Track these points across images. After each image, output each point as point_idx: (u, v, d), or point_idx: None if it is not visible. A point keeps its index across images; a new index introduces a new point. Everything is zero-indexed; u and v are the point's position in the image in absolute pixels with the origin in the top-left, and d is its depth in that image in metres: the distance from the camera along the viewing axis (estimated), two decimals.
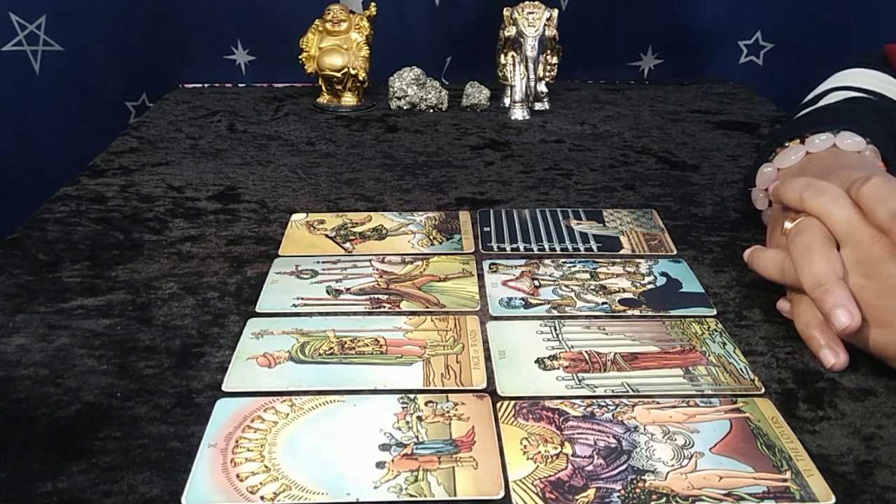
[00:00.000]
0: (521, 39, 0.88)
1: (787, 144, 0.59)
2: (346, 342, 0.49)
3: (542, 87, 0.93)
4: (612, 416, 0.43)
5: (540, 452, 0.40)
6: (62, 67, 0.97)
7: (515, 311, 0.53)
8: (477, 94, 0.95)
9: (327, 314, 0.53)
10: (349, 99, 0.95)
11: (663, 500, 0.37)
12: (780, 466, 0.40)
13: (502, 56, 0.93)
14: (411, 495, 0.38)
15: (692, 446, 0.41)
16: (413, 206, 0.69)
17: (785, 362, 0.48)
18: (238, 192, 0.72)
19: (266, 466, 0.40)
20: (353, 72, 0.92)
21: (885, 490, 0.38)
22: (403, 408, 0.44)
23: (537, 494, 0.38)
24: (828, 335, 0.48)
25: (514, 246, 0.62)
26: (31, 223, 0.65)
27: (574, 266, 0.59)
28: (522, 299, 0.54)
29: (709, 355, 0.48)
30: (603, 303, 0.54)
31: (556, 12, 0.89)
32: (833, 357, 0.47)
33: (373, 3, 0.93)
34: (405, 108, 0.94)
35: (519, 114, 0.92)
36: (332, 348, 0.49)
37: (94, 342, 0.50)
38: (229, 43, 1.05)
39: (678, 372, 0.47)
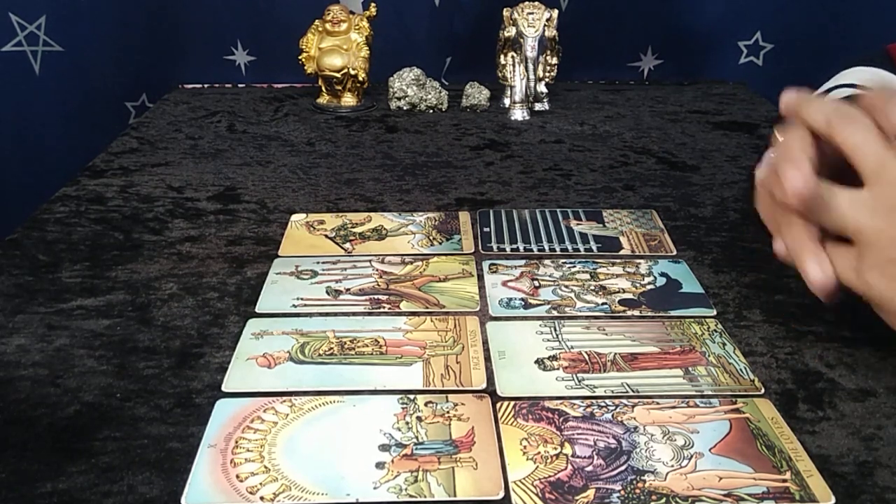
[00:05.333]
0: (521, 40, 0.89)
1: None
2: (345, 342, 0.49)
3: (541, 88, 0.93)
4: (612, 416, 0.43)
5: (540, 453, 0.40)
6: (62, 67, 0.97)
7: (515, 312, 0.53)
8: (477, 94, 0.95)
9: (327, 314, 0.53)
10: (349, 99, 0.95)
11: (663, 500, 0.37)
12: (780, 467, 0.40)
13: (502, 56, 0.93)
14: (411, 496, 0.38)
15: (692, 447, 0.41)
16: (413, 206, 0.69)
17: (785, 363, 0.48)
18: (238, 193, 0.72)
19: (266, 467, 0.40)
20: (352, 72, 0.92)
21: (885, 490, 0.38)
22: (403, 408, 0.44)
23: (537, 495, 0.38)
24: (817, 251, 0.45)
25: (514, 246, 0.62)
26: (30, 223, 0.65)
27: (574, 266, 0.59)
28: (522, 300, 0.54)
29: (708, 356, 0.48)
30: (603, 303, 0.54)
31: (555, 13, 0.89)
32: (818, 271, 0.45)
33: (373, 4, 0.93)
34: (405, 108, 0.94)
35: (519, 114, 0.92)
36: (331, 349, 0.49)
37: (93, 342, 0.50)
38: (229, 43, 1.05)
39: (678, 372, 0.47)
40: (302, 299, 0.54)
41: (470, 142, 0.85)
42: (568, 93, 1.02)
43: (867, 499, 0.38)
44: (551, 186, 0.73)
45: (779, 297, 0.53)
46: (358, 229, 0.64)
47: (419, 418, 0.43)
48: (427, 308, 0.53)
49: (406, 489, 0.38)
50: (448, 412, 0.43)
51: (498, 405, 0.44)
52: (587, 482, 0.39)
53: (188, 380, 0.46)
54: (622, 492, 0.38)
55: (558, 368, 0.47)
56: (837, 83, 0.66)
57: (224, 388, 0.45)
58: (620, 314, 0.53)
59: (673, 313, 0.53)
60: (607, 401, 0.44)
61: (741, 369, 0.47)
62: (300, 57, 0.93)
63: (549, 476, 0.39)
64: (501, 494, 0.38)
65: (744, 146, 0.84)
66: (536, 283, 0.56)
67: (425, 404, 0.44)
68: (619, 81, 1.08)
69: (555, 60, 0.93)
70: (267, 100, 0.99)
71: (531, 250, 0.61)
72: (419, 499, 0.38)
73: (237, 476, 0.39)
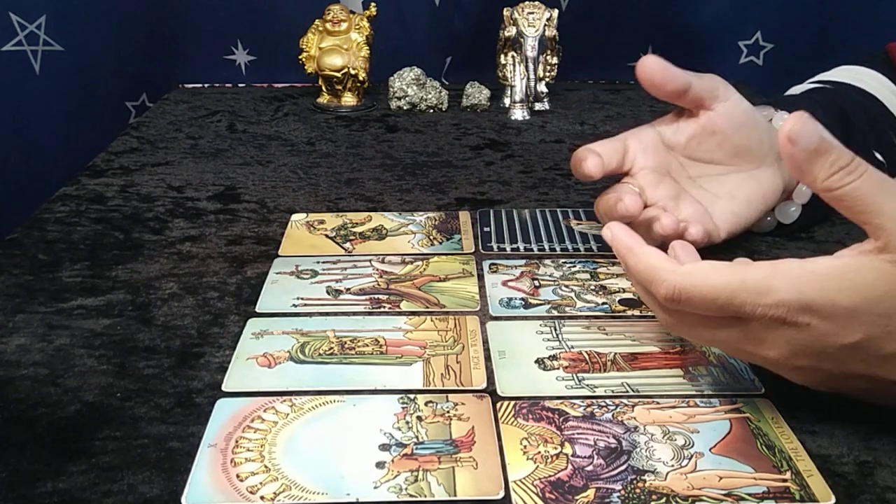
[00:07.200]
0: (521, 39, 0.89)
1: None
2: (346, 342, 0.49)
3: (542, 88, 0.93)
4: (612, 416, 0.43)
5: (540, 453, 0.40)
6: (62, 67, 0.97)
7: (515, 312, 0.53)
8: (477, 94, 0.95)
9: (327, 314, 0.53)
10: (349, 99, 0.95)
11: (663, 500, 0.37)
12: (780, 467, 0.40)
13: (502, 56, 0.93)
14: (411, 495, 0.38)
15: (692, 446, 0.41)
16: (413, 206, 0.69)
17: None
18: (238, 192, 0.72)
19: (266, 466, 0.40)
20: (353, 72, 0.92)
21: (885, 490, 0.38)
22: (403, 408, 0.44)
23: (537, 495, 0.38)
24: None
25: (514, 246, 0.62)
26: (31, 223, 0.65)
27: (574, 266, 0.59)
28: (522, 299, 0.54)
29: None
30: (603, 303, 0.54)
31: (556, 12, 0.89)
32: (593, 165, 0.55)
33: (373, 4, 0.93)
34: (405, 108, 0.94)
35: (519, 114, 0.92)
36: (332, 348, 0.49)
37: (93, 342, 0.50)
38: (229, 43, 1.05)
39: (678, 372, 0.47)
40: (302, 299, 0.54)
41: (470, 141, 0.85)
42: (568, 93, 1.02)
43: (867, 499, 0.38)
44: (551, 186, 0.73)
45: None
46: (358, 229, 0.64)
47: (419, 418, 0.43)
48: (427, 308, 0.53)
49: (406, 489, 0.38)
50: (448, 412, 0.43)
51: (498, 405, 0.44)
52: (587, 482, 0.39)
53: (188, 379, 0.46)
54: (622, 492, 0.38)
55: (558, 368, 0.47)
56: (820, 79, 0.66)
57: (224, 388, 0.45)
58: (620, 314, 0.53)
59: None
60: (607, 401, 0.44)
61: (741, 369, 0.47)
62: (300, 57, 0.93)
63: (550, 476, 0.39)
64: (501, 494, 0.38)
65: None
66: (536, 283, 0.56)
67: (425, 404, 0.44)
68: (619, 81, 1.08)
69: (555, 60, 0.93)
70: (267, 99, 0.99)
71: (531, 250, 0.61)
72: (419, 499, 0.38)
73: (237, 476, 0.39)
